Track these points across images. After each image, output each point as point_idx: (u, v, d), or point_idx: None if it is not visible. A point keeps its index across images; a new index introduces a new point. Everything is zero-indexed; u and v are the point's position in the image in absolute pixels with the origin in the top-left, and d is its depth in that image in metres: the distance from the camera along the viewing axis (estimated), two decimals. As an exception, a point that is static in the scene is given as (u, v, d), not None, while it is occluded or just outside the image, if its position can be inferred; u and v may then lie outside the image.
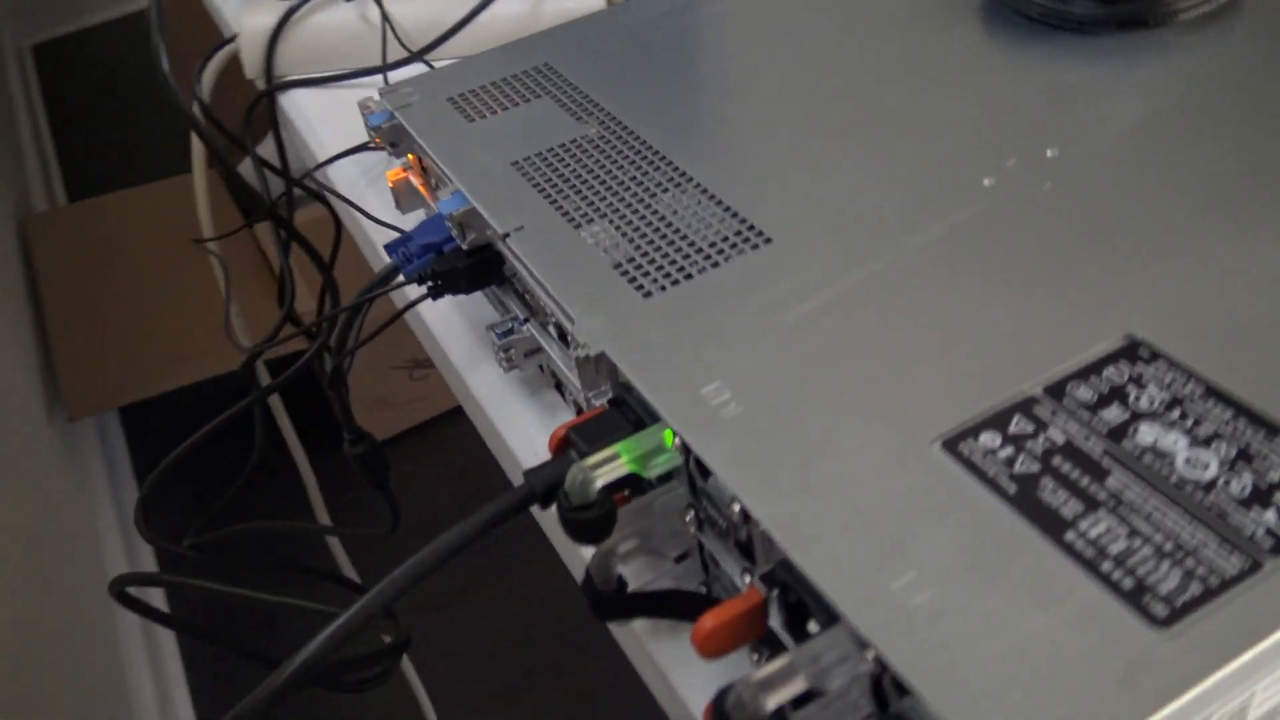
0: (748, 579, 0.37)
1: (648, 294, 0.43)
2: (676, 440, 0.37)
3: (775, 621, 0.34)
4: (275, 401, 0.97)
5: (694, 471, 0.37)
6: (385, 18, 0.79)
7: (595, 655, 1.50)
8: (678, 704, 0.40)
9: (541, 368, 0.52)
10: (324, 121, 0.79)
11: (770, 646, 0.36)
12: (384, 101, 0.58)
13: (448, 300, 0.58)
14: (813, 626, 0.32)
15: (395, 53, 0.80)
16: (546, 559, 0.93)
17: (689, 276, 0.43)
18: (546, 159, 0.51)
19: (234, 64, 0.86)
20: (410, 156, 0.60)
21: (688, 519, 0.39)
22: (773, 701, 0.30)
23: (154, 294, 1.68)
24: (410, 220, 0.65)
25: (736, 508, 0.34)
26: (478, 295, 0.54)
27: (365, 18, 0.82)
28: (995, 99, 0.49)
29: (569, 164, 0.51)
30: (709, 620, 0.33)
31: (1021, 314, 0.38)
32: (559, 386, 0.52)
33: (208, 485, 1.61)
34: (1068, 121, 0.47)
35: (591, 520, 0.37)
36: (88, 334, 1.66)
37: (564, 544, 0.48)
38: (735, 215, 0.46)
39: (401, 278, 0.52)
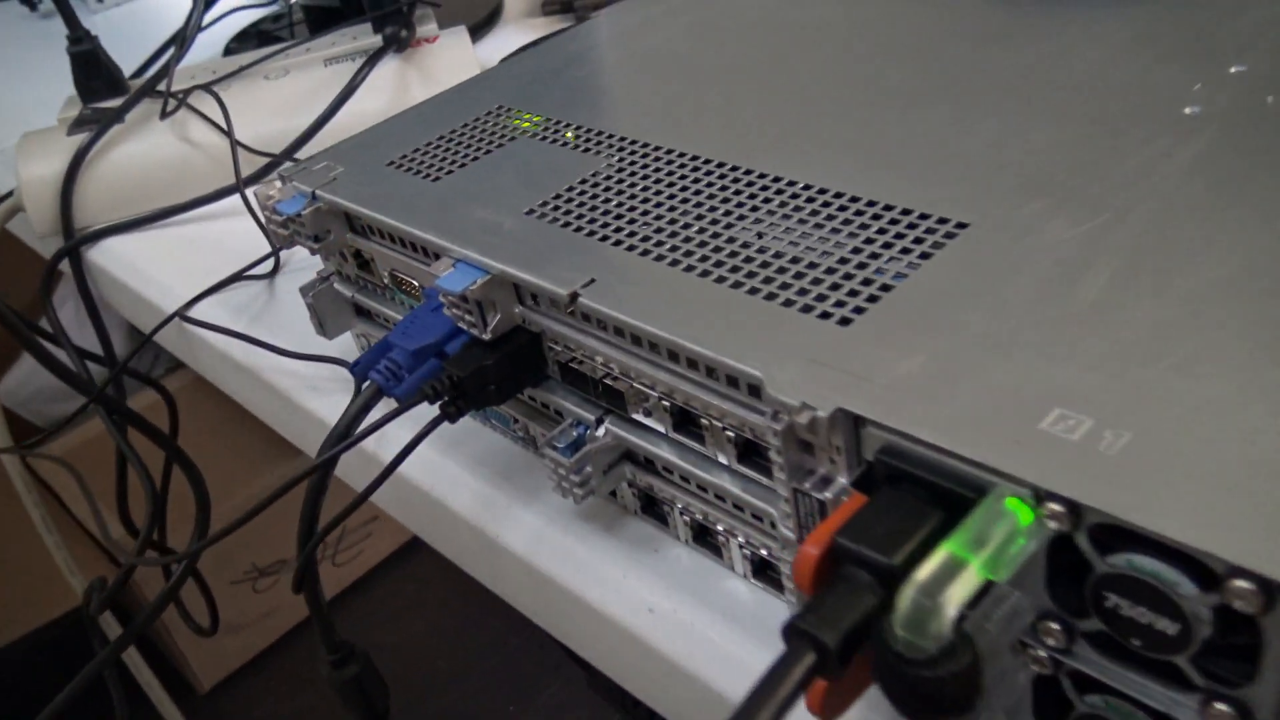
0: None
1: (844, 321, 0.29)
2: (1044, 509, 0.23)
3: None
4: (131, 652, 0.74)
5: (1090, 550, 0.22)
6: (229, 127, 0.62)
7: None
8: None
9: (632, 486, 0.36)
10: (157, 265, 0.61)
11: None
12: (294, 183, 0.42)
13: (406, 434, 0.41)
14: None
15: (217, 178, 0.63)
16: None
17: (886, 289, 0.29)
18: (573, 200, 0.37)
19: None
20: (340, 254, 0.43)
21: (1049, 639, 0.24)
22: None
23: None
24: (341, 347, 0.48)
25: (1201, 600, 0.20)
26: (450, 425, 0.38)
27: (185, 139, 0.65)
28: (1126, 32, 0.39)
29: (610, 199, 0.37)
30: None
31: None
32: (649, 509, 0.37)
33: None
34: (1228, 38, 0.38)
35: (961, 674, 0.22)
36: None
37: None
38: (896, 209, 0.33)
39: (395, 404, 0.36)
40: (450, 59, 0.68)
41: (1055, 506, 0.22)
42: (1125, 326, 0.26)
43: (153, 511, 0.57)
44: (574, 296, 0.32)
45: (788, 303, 0.30)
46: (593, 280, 0.32)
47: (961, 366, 0.26)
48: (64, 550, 0.71)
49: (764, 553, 0.33)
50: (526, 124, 0.43)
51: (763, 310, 0.30)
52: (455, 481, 0.41)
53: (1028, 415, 0.24)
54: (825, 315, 0.29)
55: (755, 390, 0.29)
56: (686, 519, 0.35)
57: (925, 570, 0.22)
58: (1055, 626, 0.24)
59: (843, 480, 0.27)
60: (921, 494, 0.25)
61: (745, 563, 0.34)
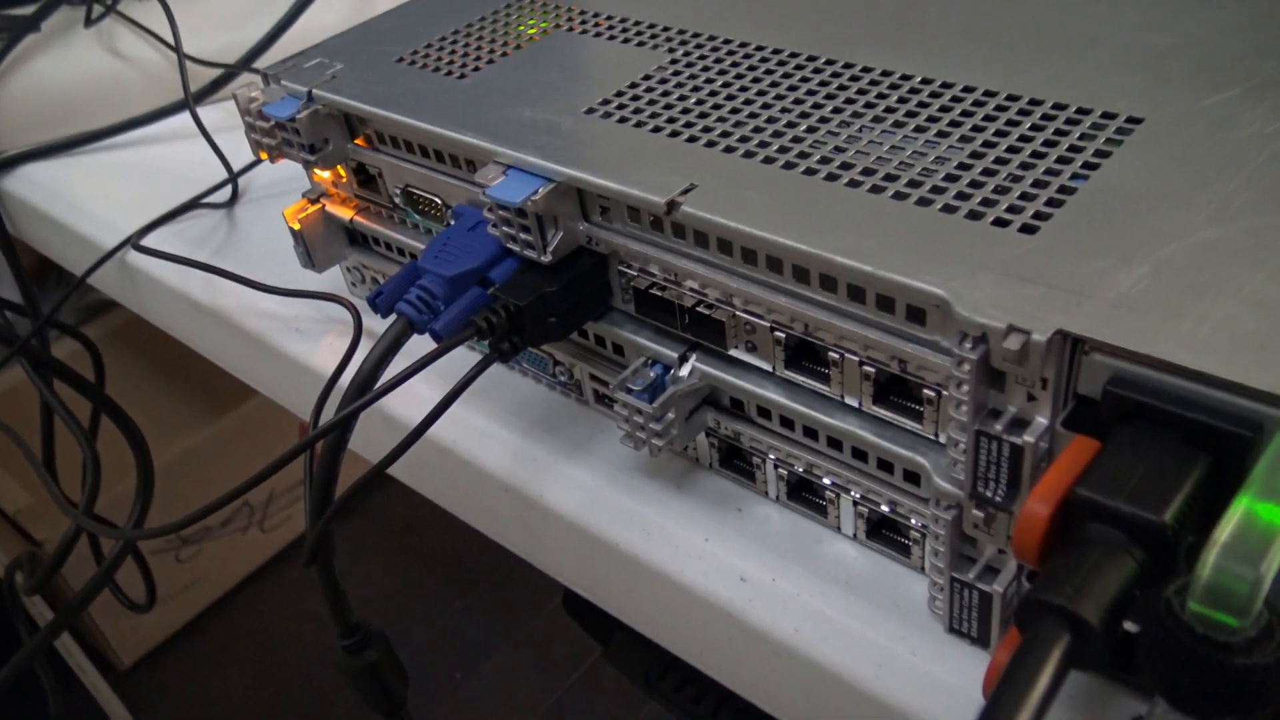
0: None
1: (1027, 229, 0.23)
2: (1361, 449, 0.18)
3: None
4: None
5: None
6: (176, 36, 0.54)
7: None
8: None
9: (712, 435, 0.31)
10: (90, 196, 0.53)
11: None
12: (285, 83, 0.35)
13: (423, 388, 0.34)
14: None
15: (158, 96, 0.55)
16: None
17: (1066, 191, 0.24)
18: (640, 97, 0.31)
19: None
20: (338, 169, 0.37)
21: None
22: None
23: None
24: (331, 281, 0.42)
25: None
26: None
27: (114, 51, 0.57)
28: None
29: (686, 96, 0.31)
30: None
31: None
32: (728, 460, 0.31)
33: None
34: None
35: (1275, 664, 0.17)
36: None
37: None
38: (1046, 104, 0.28)
39: (431, 342, 0.30)
40: (418, -34, 0.60)
41: (1376, 446, 0.18)
42: (1392, 229, 0.22)
43: (93, 474, 0.50)
44: (673, 205, 0.26)
45: (948, 209, 0.24)
46: (693, 185, 0.26)
47: (1204, 277, 0.21)
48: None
49: (886, 509, 0.28)
50: (549, 18, 0.37)
51: (918, 217, 0.24)
52: (484, 435, 0.35)
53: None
54: (1001, 222, 0.24)
55: (917, 315, 0.23)
56: (783, 472, 0.30)
57: (1227, 530, 0.17)
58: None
59: (1043, 420, 0.22)
60: (1172, 435, 0.20)
61: (859, 521, 0.29)
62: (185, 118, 0.53)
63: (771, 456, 0.30)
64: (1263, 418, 0.19)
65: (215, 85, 0.54)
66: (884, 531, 0.29)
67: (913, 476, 0.27)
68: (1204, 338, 0.20)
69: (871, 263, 0.23)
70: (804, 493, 0.30)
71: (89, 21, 0.56)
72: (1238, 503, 0.18)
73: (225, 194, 0.50)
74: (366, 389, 0.29)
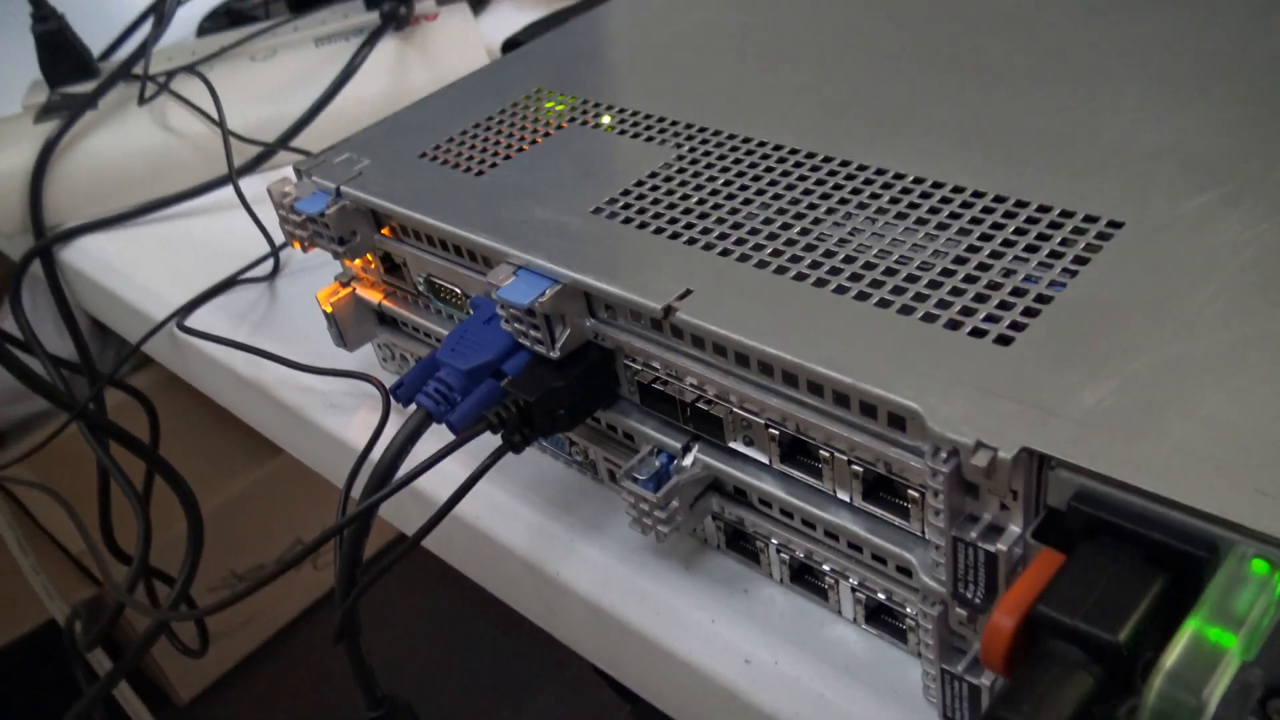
0: None
1: (1003, 340, 0.24)
2: (1306, 574, 0.19)
3: None
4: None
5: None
6: (220, 114, 0.57)
7: None
8: None
9: (718, 519, 0.32)
10: (141, 266, 0.55)
11: None
12: (315, 178, 0.37)
13: (450, 464, 0.36)
14: None
15: (205, 169, 0.57)
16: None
17: (1043, 300, 0.25)
18: (645, 196, 0.33)
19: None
20: (367, 257, 0.39)
21: (1284, 718, 0.20)
22: None
23: None
24: (362, 360, 0.44)
25: None
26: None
27: (166, 127, 0.60)
28: None
29: (688, 195, 0.32)
30: None
31: None
32: (735, 543, 0.33)
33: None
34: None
35: (1228, 785, 0.18)
36: None
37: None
38: (1031, 206, 0.29)
39: (448, 432, 0.31)
40: (453, 37, 0.63)
41: (1320, 571, 0.19)
42: (1354, 345, 0.22)
43: (143, 539, 0.52)
44: (669, 310, 0.27)
45: (928, 317, 0.26)
46: (689, 291, 0.28)
47: (1166, 395, 0.22)
48: (41, 574, 0.65)
49: (883, 597, 0.29)
50: (565, 108, 0.38)
51: (899, 326, 0.25)
52: (505, 512, 0.37)
53: (1263, 453, 0.20)
54: (978, 333, 0.25)
55: (898, 421, 0.25)
56: (785, 557, 0.31)
57: (1174, 655, 0.18)
58: (1292, 704, 0.20)
59: (1015, 529, 0.23)
60: (1132, 551, 0.21)
61: (857, 607, 0.30)
62: (230, 190, 0.56)
63: (774, 541, 0.31)
64: (1217, 539, 0.20)
65: (259, 160, 0.57)
66: (883, 617, 0.30)
67: (905, 569, 0.28)
68: (1162, 458, 0.21)
69: (852, 374, 0.24)
70: (806, 576, 0.31)
71: (142, 99, 0.59)
72: (1186, 626, 0.19)
73: (268, 266, 0.52)
74: (386, 479, 0.31)
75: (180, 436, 1.04)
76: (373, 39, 0.59)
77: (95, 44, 0.68)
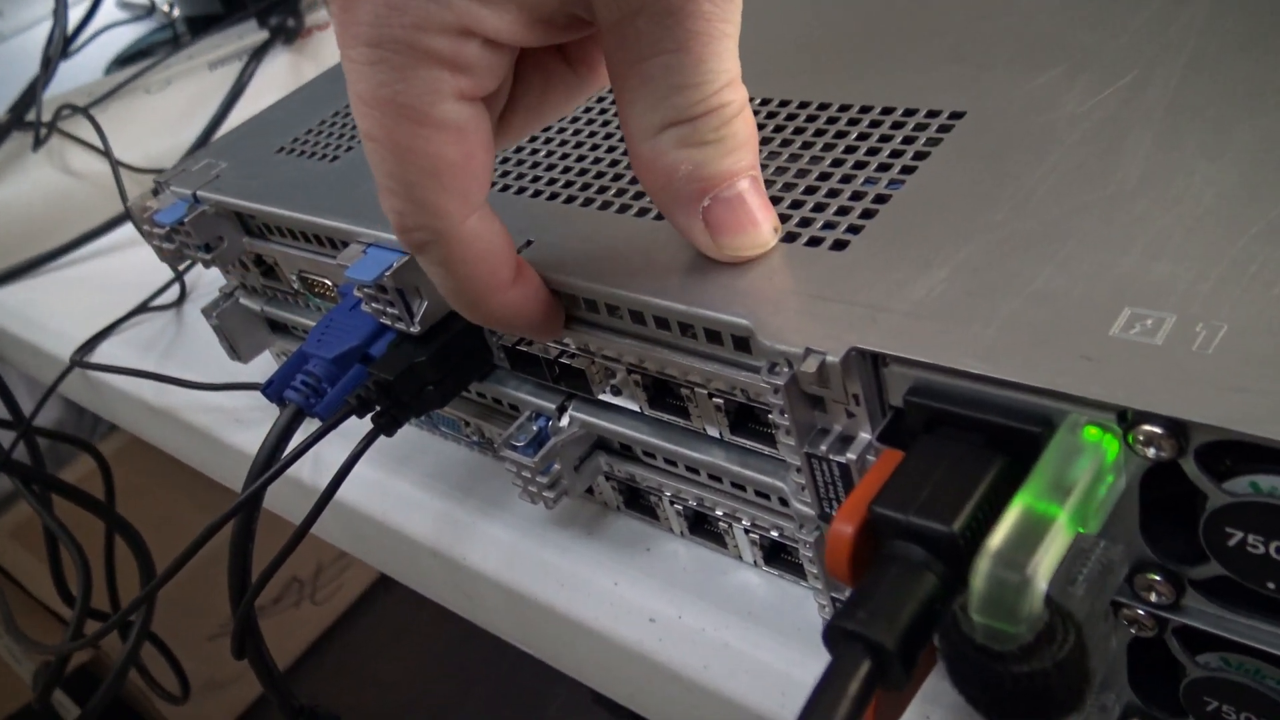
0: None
1: (838, 245, 0.23)
2: (1136, 434, 0.18)
3: None
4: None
5: (1201, 477, 0.18)
6: (107, 149, 0.56)
7: None
8: None
9: (610, 479, 0.31)
10: (54, 313, 0.54)
11: None
12: (172, 189, 0.36)
13: (328, 454, 0.35)
14: None
15: (108, 207, 0.56)
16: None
17: (881, 200, 0.24)
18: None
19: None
20: (246, 265, 0.38)
21: (1151, 594, 0.19)
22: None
23: None
24: (262, 369, 0.43)
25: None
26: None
27: (66, 170, 0.59)
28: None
29: (531, 152, 0.31)
30: None
31: None
32: (634, 502, 0.32)
33: None
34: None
35: (1067, 662, 0.17)
36: None
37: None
38: (875, 110, 0.28)
39: (318, 424, 0.30)
40: (347, 44, 0.62)
41: (1151, 429, 0.17)
42: (1187, 199, 0.21)
43: (83, 590, 0.51)
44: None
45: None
46: (529, 242, 0.27)
47: (996, 276, 0.21)
48: (11, 645, 0.64)
49: (775, 535, 0.28)
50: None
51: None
52: (408, 502, 0.36)
53: (1092, 322, 0.19)
54: (814, 241, 0.24)
55: (743, 343, 0.23)
56: (679, 508, 0.30)
57: (1000, 535, 0.17)
58: (1157, 578, 0.19)
59: (866, 436, 0.22)
60: (971, 438, 0.20)
61: (754, 549, 0.29)
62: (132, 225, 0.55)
63: (666, 493, 0.30)
64: (1050, 412, 0.19)
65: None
66: (781, 556, 0.29)
67: (786, 500, 0.27)
68: (989, 339, 0.20)
69: (689, 301, 0.23)
70: (704, 525, 0.30)
71: (36, 145, 0.58)
72: (1014, 504, 0.18)
73: (174, 293, 0.51)
74: (264, 472, 0.30)
75: (146, 492, 1.03)
76: (258, 55, 0.58)
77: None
